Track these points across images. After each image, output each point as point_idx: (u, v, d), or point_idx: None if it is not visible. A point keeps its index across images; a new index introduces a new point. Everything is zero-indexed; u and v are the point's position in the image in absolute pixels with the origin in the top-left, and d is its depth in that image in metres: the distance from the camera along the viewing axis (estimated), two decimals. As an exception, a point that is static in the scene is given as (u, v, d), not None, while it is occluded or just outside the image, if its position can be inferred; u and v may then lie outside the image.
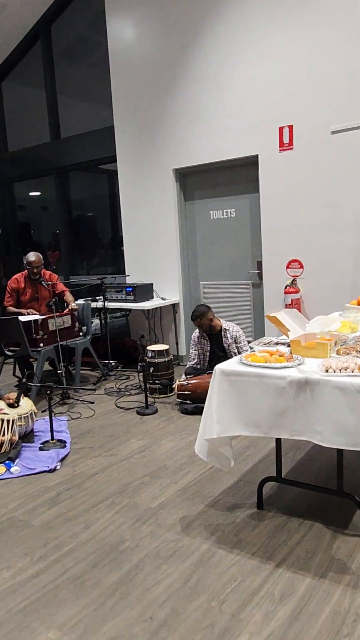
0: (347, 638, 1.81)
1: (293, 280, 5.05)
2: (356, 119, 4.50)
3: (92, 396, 4.87)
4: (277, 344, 2.91)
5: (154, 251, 6.02)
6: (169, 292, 5.96)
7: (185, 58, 5.43)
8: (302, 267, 5.00)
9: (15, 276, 5.12)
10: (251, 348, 2.95)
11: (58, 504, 2.86)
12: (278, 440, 2.69)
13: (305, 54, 4.68)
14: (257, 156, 5.12)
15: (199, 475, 3.12)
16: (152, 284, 5.91)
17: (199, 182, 5.71)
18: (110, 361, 5.63)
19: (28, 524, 2.68)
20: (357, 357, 2.40)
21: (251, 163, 5.23)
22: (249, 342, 4.75)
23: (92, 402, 4.30)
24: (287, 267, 5.09)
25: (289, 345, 2.84)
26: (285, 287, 5.04)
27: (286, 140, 4.93)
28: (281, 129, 4.93)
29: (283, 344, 2.90)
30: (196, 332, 4.70)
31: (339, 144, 4.62)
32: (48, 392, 3.65)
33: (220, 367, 2.53)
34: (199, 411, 4.22)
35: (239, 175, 5.41)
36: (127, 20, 5.77)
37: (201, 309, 4.50)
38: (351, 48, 4.45)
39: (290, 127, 4.88)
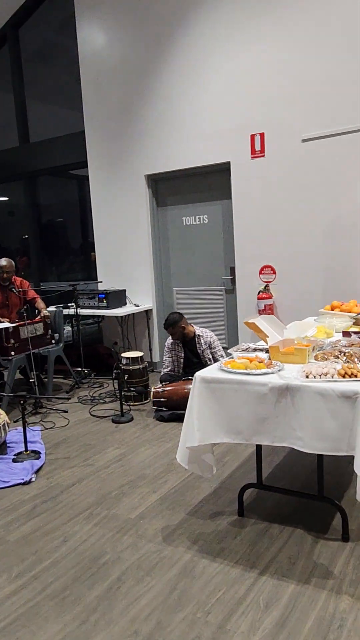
0: (334, 644, 1.82)
1: (266, 286, 5.10)
2: (326, 127, 4.58)
3: (65, 405, 4.78)
4: (255, 350, 2.92)
5: (127, 257, 5.98)
6: (142, 298, 5.92)
7: (157, 64, 5.43)
8: (274, 272, 5.05)
9: (-16, 283, 4.99)
10: (229, 354, 2.95)
11: (34, 518, 2.79)
12: (258, 447, 2.70)
13: (277, 62, 4.75)
14: (229, 163, 5.15)
15: (178, 483, 3.09)
16: (124, 291, 5.86)
17: (171, 188, 5.71)
18: (84, 369, 5.55)
19: (3, 539, 2.60)
20: (336, 362, 2.43)
21: (223, 170, 5.26)
22: (223, 348, 4.77)
23: (65, 411, 4.22)
24: (260, 272, 5.13)
25: (267, 351, 2.85)
26: (258, 293, 5.08)
27: (258, 147, 4.98)
28: (253, 137, 4.98)
29: (261, 350, 2.91)
30: (170, 339, 4.68)
31: (310, 151, 4.70)
32: (21, 401, 3.56)
33: (200, 374, 2.52)
34: (175, 418, 4.20)
35: (211, 182, 5.44)
36: (98, 24, 5.74)
37: (173, 318, 4.48)
38: (321, 58, 4.54)
39: (262, 135, 4.93)
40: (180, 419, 4.16)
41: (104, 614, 2.03)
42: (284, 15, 4.65)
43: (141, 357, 4.82)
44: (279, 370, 2.46)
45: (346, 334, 3.01)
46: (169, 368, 4.66)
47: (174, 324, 4.46)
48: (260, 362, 2.55)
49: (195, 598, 2.09)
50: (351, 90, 4.43)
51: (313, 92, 4.61)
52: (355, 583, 2.12)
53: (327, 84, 4.54)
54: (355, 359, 2.48)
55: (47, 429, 4.18)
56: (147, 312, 5.91)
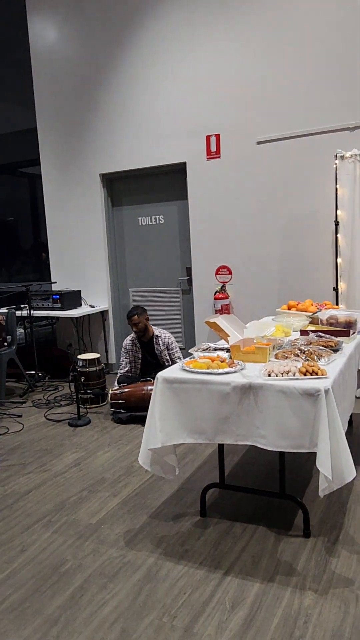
0: (300, 640, 1.83)
1: (222, 286, 5.13)
2: (280, 130, 4.66)
3: (19, 409, 4.63)
4: (216, 349, 2.92)
5: (81, 257, 5.87)
6: (97, 299, 5.83)
7: (112, 62, 5.36)
8: (231, 273, 5.09)
9: None
10: (189, 354, 2.93)
11: (-11, 528, 2.67)
12: (220, 446, 2.69)
13: (232, 65, 4.79)
14: (185, 163, 5.15)
15: (138, 485, 3.05)
16: (79, 291, 5.75)
17: (126, 188, 5.65)
18: (37, 372, 5.39)
19: None
20: (297, 360, 2.46)
21: (179, 170, 5.25)
22: (180, 349, 4.75)
23: (19, 416, 4.09)
24: (217, 273, 5.16)
25: (228, 351, 2.85)
26: (215, 293, 5.11)
27: (213, 148, 5.00)
28: (208, 138, 5.00)
29: (222, 349, 2.91)
30: (127, 340, 4.63)
31: (265, 154, 4.76)
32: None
33: (162, 374, 2.49)
34: (133, 420, 4.14)
35: (167, 182, 5.42)
36: (50, 19, 5.60)
37: (139, 309, 4.45)
38: (276, 62, 4.61)
39: (217, 136, 4.96)
40: (138, 420, 4.12)
41: (66, 624, 1.96)
42: (240, 19, 4.69)
43: (97, 358, 4.73)
44: (241, 369, 2.46)
45: (304, 332, 3.06)
46: (127, 369, 4.60)
47: (140, 313, 4.43)
48: (222, 362, 2.54)
49: (161, 602, 2.05)
50: (305, 94, 4.53)
51: (268, 95, 4.68)
52: (318, 578, 2.14)
53: (281, 88, 4.61)
54: (315, 357, 2.51)
55: (0, 434, 4.02)
56: (103, 313, 5.82)
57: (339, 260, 4.34)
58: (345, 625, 1.88)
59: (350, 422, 3.77)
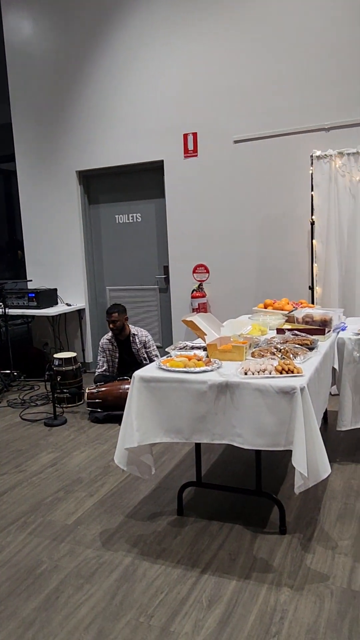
0: (276, 637, 1.84)
1: (199, 284, 5.13)
2: (257, 130, 4.68)
3: (-7, 409, 4.56)
4: (192, 348, 2.92)
5: (58, 255, 5.80)
6: (74, 297, 5.77)
7: (89, 57, 5.31)
8: (208, 271, 5.10)
9: None
10: (166, 353, 2.92)
11: None
12: (197, 445, 2.69)
13: (210, 64, 4.79)
14: (162, 161, 5.14)
15: (115, 485, 3.03)
16: (56, 290, 5.69)
17: (103, 185, 5.60)
18: (13, 371, 5.32)
19: None
20: (273, 359, 2.47)
21: (157, 168, 5.24)
22: (158, 347, 4.74)
23: (-6, 416, 4.02)
24: (194, 271, 5.16)
25: (204, 349, 2.85)
26: (192, 292, 5.11)
27: (190, 147, 5.00)
28: (185, 136, 4.99)
29: (199, 348, 2.91)
30: (104, 339, 4.60)
31: (242, 153, 4.78)
32: None
33: (139, 373, 2.48)
34: (110, 419, 4.12)
35: (144, 180, 5.40)
36: (25, 13, 5.52)
37: (121, 307, 4.44)
38: (253, 62, 4.63)
39: (195, 135, 4.96)
40: (115, 419, 4.09)
41: (42, 627, 1.94)
42: (218, 18, 4.70)
43: (74, 357, 4.69)
44: (217, 368, 2.47)
45: (280, 331, 3.08)
46: (104, 368, 4.57)
47: (120, 311, 4.41)
48: (199, 360, 2.54)
49: (138, 602, 2.04)
50: (281, 94, 4.56)
51: (245, 94, 4.69)
52: (294, 574, 2.16)
53: (258, 88, 4.64)
54: (291, 355, 2.53)
55: (-26, 435, 3.96)
56: (80, 312, 5.77)
57: (314, 259, 4.38)
58: (320, 621, 1.90)
59: (325, 419, 3.82)
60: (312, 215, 4.36)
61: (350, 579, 2.12)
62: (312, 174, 4.31)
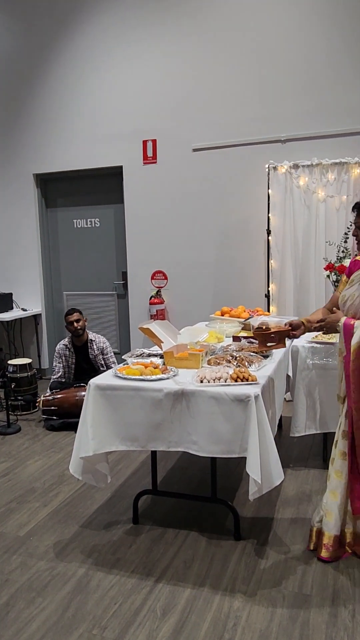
0: (229, 643, 1.85)
1: (158, 291, 5.14)
2: (216, 139, 4.74)
3: None
4: (149, 355, 2.92)
5: (13, 259, 5.68)
6: (30, 302, 5.66)
7: (49, 59, 5.25)
8: (166, 278, 5.11)
9: None
10: (123, 360, 2.91)
11: None
12: (153, 452, 2.69)
13: (170, 72, 4.83)
14: (121, 167, 5.13)
15: (70, 494, 2.98)
16: (11, 294, 5.57)
17: (61, 189, 5.54)
18: (-36, 378, 5.15)
19: None
20: (228, 366, 2.50)
21: (116, 173, 5.22)
22: (115, 354, 4.71)
23: None
24: (152, 278, 5.16)
25: (161, 357, 2.86)
26: (151, 298, 5.11)
27: (150, 153, 5.01)
28: (145, 142, 5.00)
29: (155, 355, 2.91)
30: (61, 344, 4.53)
31: (200, 161, 4.83)
32: None
33: (94, 381, 2.45)
34: (66, 427, 4.06)
35: (103, 185, 5.37)
36: (-19, 12, 5.40)
37: (78, 310, 4.44)
38: (212, 72, 4.69)
39: (154, 141, 4.97)
40: (71, 427, 4.03)
41: (-10, 643, 1.88)
42: (180, 27, 4.74)
43: (29, 364, 4.60)
44: (174, 376, 2.47)
45: (236, 338, 3.12)
46: (60, 374, 4.50)
47: (81, 312, 4.40)
48: (155, 368, 2.54)
49: (91, 614, 2.02)
50: (240, 105, 4.63)
51: (204, 103, 4.75)
52: (247, 580, 2.19)
53: (218, 97, 4.70)
54: (246, 363, 2.57)
55: None
56: (36, 317, 5.66)
57: (270, 267, 4.47)
58: (273, 626, 1.93)
59: (279, 425, 3.89)
60: (268, 224, 4.45)
61: (301, 583, 2.16)
62: (268, 184, 4.40)
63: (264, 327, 2.58)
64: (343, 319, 2.27)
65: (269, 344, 2.54)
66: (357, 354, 2.15)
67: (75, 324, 4.35)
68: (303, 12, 4.36)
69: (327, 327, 2.36)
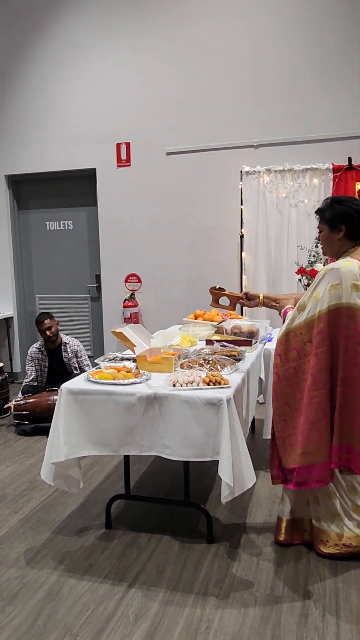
0: (201, 647, 1.86)
1: (131, 294, 5.13)
2: (189, 143, 4.76)
3: None
4: (122, 359, 2.91)
5: (-16, 261, 5.59)
6: (1, 305, 5.58)
7: (22, 59, 5.19)
8: (140, 281, 5.11)
9: None
10: (96, 364, 2.90)
11: None
12: (126, 457, 2.68)
13: (144, 76, 4.83)
14: (95, 169, 5.10)
15: (42, 500, 2.95)
16: (-18, 297, 5.48)
17: (34, 191, 5.48)
18: None
19: None
20: (201, 370, 2.51)
21: (89, 176, 5.19)
22: (89, 357, 4.68)
23: None
24: (126, 281, 5.15)
25: (134, 361, 2.85)
26: (124, 301, 5.10)
27: (123, 156, 5.00)
28: (119, 145, 4.99)
29: (128, 359, 2.90)
30: (33, 347, 4.48)
31: (174, 165, 4.85)
32: None
33: (66, 386, 2.43)
34: (38, 431, 4.01)
35: (76, 187, 5.33)
36: None
37: (48, 314, 4.36)
38: (186, 77, 4.71)
39: (128, 145, 4.97)
40: (44, 431, 3.98)
41: None
42: (156, 31, 4.75)
43: (0, 368, 4.53)
44: (146, 380, 2.47)
45: (209, 342, 3.14)
46: (32, 378, 4.44)
47: (52, 317, 4.33)
48: (128, 372, 2.54)
49: (63, 621, 2.00)
50: (214, 110, 4.67)
51: (178, 108, 4.77)
52: (220, 583, 2.20)
53: (192, 102, 4.73)
54: (218, 367, 2.59)
55: None
56: (7, 320, 5.58)
57: (243, 270, 4.51)
58: (245, 628, 1.94)
59: (252, 428, 3.93)
60: (241, 228, 4.49)
61: (273, 585, 2.18)
62: (241, 188, 4.44)
63: (217, 287, 2.91)
64: (286, 307, 2.45)
65: (220, 303, 2.83)
66: (279, 342, 2.27)
67: (47, 332, 4.30)
68: (277, 20, 4.42)
69: (278, 309, 2.58)
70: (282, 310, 2.46)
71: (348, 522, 2.31)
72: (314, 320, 2.14)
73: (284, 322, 2.34)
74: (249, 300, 2.68)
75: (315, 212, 2.38)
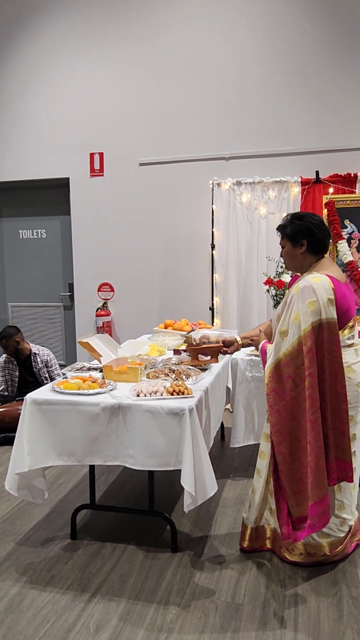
0: (160, 656, 1.87)
1: (104, 303, 5.14)
2: (162, 154, 4.82)
3: None
4: (89, 369, 2.92)
5: None
6: (-28, 313, 5.53)
7: (-8, 70, 5.19)
8: (113, 290, 5.12)
9: None
10: (64, 374, 2.90)
11: None
12: (91, 467, 2.68)
13: (117, 87, 4.88)
14: (68, 179, 5.12)
15: (7, 511, 2.93)
16: None
17: (7, 199, 5.46)
18: None
19: None
20: (166, 380, 2.54)
21: (62, 185, 5.20)
22: (61, 366, 4.66)
23: None
24: (99, 290, 5.16)
25: (101, 371, 2.87)
26: (97, 310, 5.10)
27: (97, 166, 5.03)
28: (92, 155, 5.02)
29: (95, 369, 2.91)
30: (3, 357, 4.44)
31: (147, 175, 4.89)
32: None
33: (31, 396, 2.44)
34: (7, 442, 3.97)
35: (50, 196, 5.33)
36: None
37: (7, 331, 4.27)
38: (159, 89, 4.77)
39: (101, 155, 5.00)
40: (13, 442, 3.95)
41: None
42: (131, 43, 4.81)
43: (-30, 377, 4.48)
44: (111, 390, 2.49)
45: (177, 351, 3.17)
46: (2, 387, 4.41)
47: (8, 337, 4.25)
48: (93, 382, 2.55)
49: (22, 634, 1.99)
50: (186, 122, 4.74)
51: (152, 119, 4.82)
52: (182, 592, 2.22)
53: (165, 114, 4.79)
54: (184, 376, 2.62)
55: None
56: (-21, 329, 5.53)
57: (214, 281, 4.56)
58: (204, 636, 1.96)
59: (222, 436, 3.96)
60: (212, 239, 4.55)
61: (234, 592, 2.21)
62: (212, 200, 4.50)
63: (195, 343, 2.73)
64: (262, 343, 2.37)
65: (200, 359, 2.71)
66: (270, 377, 2.20)
67: (5, 351, 4.28)
68: (249, 34, 4.52)
69: (255, 346, 2.52)
70: (260, 348, 2.37)
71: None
72: (302, 341, 2.11)
73: (265, 358, 2.28)
74: (228, 346, 2.68)
75: (277, 228, 2.41)
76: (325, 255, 2.35)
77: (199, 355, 2.78)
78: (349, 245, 4.12)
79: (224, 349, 2.68)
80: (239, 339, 2.67)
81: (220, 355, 2.92)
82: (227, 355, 3.24)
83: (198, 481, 2.22)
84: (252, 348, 3.37)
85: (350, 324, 2.24)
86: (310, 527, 2.09)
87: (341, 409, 2.15)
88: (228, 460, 3.57)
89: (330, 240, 2.43)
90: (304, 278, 2.21)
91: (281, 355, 2.17)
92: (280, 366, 2.17)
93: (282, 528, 2.19)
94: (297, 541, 2.22)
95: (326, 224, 2.35)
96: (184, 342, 3.46)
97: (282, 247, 2.39)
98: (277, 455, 2.19)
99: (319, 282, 2.14)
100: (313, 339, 2.10)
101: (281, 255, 2.41)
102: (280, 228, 2.38)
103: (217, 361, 2.73)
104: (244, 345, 2.67)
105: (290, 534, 2.16)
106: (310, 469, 2.08)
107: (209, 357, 2.76)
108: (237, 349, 2.66)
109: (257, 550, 2.47)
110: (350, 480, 2.21)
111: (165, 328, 3.75)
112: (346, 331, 2.23)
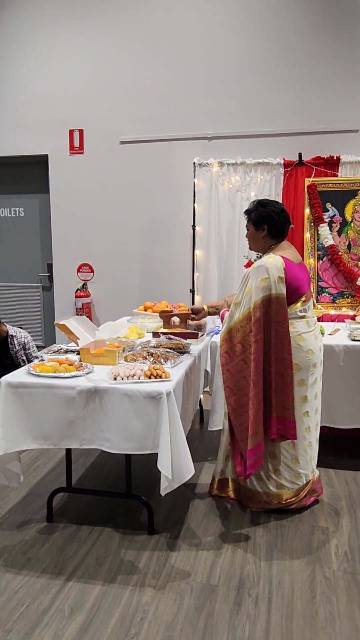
0: (135, 638, 1.88)
1: (84, 284, 5.07)
2: (143, 132, 4.72)
3: None
4: (67, 351, 2.88)
5: None
6: None
7: (-33, 40, 5.00)
8: (92, 271, 5.05)
9: None
10: (40, 357, 2.85)
11: None
12: (68, 450, 2.66)
13: (99, 63, 4.74)
14: (47, 156, 4.99)
15: (-17, 495, 2.90)
16: None
17: (-17, 176, 5.31)
18: None
19: None
20: (144, 363, 2.51)
21: (41, 162, 5.06)
22: (39, 348, 4.60)
23: None
24: (78, 270, 5.08)
25: (78, 353, 2.82)
26: (76, 291, 5.03)
27: (76, 143, 4.91)
28: (71, 132, 4.89)
29: (73, 351, 2.87)
30: (-20, 339, 4.36)
31: (128, 154, 4.79)
32: None
33: (6, 379, 2.39)
34: (-17, 424, 3.92)
35: (28, 174, 5.20)
36: None
37: None
38: (141, 66, 4.65)
39: (81, 132, 4.88)
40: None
41: None
42: (112, 17, 4.65)
43: None
44: (88, 373, 2.46)
45: (156, 334, 3.14)
46: (-22, 370, 4.33)
47: None
48: (70, 365, 2.51)
49: (-4, 617, 1.97)
50: (169, 100, 4.63)
51: (133, 96, 4.70)
52: (158, 574, 2.22)
53: (147, 91, 4.67)
54: (162, 360, 2.59)
55: None
56: None
57: (195, 262, 4.52)
58: (179, 617, 1.98)
59: (201, 419, 3.97)
60: (194, 220, 4.49)
61: (210, 574, 2.22)
62: (194, 181, 4.44)
63: (168, 310, 3.18)
64: (222, 311, 2.76)
65: (172, 324, 3.06)
66: (224, 341, 2.53)
67: None
68: (231, 14, 4.41)
69: (218, 314, 2.92)
70: (220, 314, 2.78)
71: (269, 483, 2.62)
72: (251, 312, 2.43)
73: (222, 323, 2.61)
74: (196, 314, 3.01)
75: (244, 212, 2.67)
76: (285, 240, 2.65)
77: (171, 320, 3.07)
78: (330, 229, 4.10)
79: (192, 315, 3.02)
80: (205, 307, 3.00)
81: (195, 340, 2.96)
82: (207, 338, 3.23)
83: (175, 465, 2.21)
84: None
85: (303, 299, 2.53)
86: (249, 467, 2.41)
87: (286, 374, 2.45)
88: (207, 442, 3.58)
89: (291, 226, 2.72)
90: (261, 259, 2.52)
91: (232, 323, 2.51)
92: (232, 332, 2.51)
93: (236, 467, 2.55)
94: (246, 478, 2.54)
95: (287, 210, 2.69)
96: (159, 315, 3.42)
97: (247, 230, 2.68)
98: (227, 407, 2.55)
99: (272, 261, 2.45)
100: (262, 311, 2.40)
101: (246, 237, 2.71)
102: (247, 212, 2.65)
103: (185, 326, 3.04)
104: (210, 313, 3.01)
105: (241, 473, 2.51)
106: (250, 421, 2.40)
107: (179, 322, 3.05)
108: (204, 316, 3.03)
109: (223, 498, 2.80)
110: (292, 437, 2.49)
111: (145, 310, 3.71)
112: (298, 304, 2.52)
